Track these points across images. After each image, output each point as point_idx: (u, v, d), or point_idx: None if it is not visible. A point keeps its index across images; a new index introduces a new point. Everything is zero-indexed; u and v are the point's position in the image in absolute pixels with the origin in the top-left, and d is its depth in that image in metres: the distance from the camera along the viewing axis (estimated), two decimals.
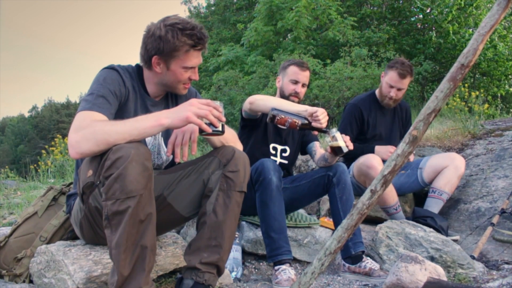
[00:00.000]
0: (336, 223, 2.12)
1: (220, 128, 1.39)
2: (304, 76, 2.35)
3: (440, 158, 2.75)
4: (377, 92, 2.92)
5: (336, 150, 2.02)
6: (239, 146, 1.69)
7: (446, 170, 2.67)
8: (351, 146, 2.02)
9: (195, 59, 1.55)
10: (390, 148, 2.76)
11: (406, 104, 3.04)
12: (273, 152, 2.37)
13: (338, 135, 2.00)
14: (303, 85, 2.36)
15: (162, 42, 1.48)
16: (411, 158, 2.89)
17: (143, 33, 1.56)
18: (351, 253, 2.04)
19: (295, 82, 2.34)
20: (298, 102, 2.35)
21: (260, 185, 1.97)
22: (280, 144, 2.39)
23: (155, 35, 1.50)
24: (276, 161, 2.35)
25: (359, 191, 2.82)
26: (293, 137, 2.42)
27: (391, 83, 2.74)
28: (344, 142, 2.00)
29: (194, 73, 1.58)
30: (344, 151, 2.00)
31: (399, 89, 2.76)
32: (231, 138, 1.65)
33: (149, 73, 1.60)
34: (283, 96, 2.36)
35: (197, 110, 1.32)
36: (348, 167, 2.87)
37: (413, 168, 2.85)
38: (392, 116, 2.94)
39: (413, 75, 2.78)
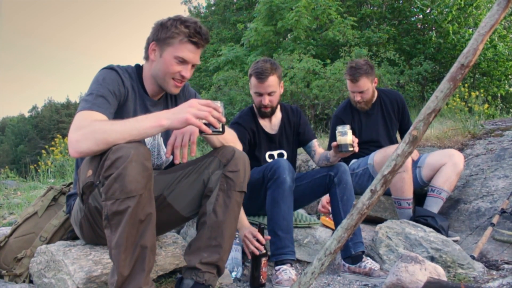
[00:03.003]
0: (337, 223, 2.12)
1: (220, 129, 1.39)
2: (267, 86, 2.18)
3: (438, 156, 2.73)
4: None
5: (342, 147, 2.00)
6: (238, 146, 1.69)
7: (445, 167, 2.65)
8: (356, 149, 2.02)
9: (190, 52, 1.53)
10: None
11: (396, 95, 2.99)
12: (270, 160, 2.33)
13: (348, 132, 2.01)
14: (269, 94, 2.21)
15: (161, 28, 1.53)
16: (416, 155, 2.86)
17: None
18: (351, 253, 2.04)
19: (259, 95, 2.23)
20: (272, 110, 2.27)
21: (273, 183, 1.98)
22: (275, 149, 2.37)
23: (157, 24, 1.55)
24: None
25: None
26: (287, 139, 2.39)
27: (350, 89, 2.82)
28: (352, 141, 2.00)
29: (186, 69, 1.55)
30: (348, 149, 1.99)
31: (360, 92, 2.79)
32: (231, 138, 1.65)
33: (146, 66, 1.61)
34: (256, 106, 2.30)
35: (196, 112, 1.32)
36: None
37: (412, 167, 2.83)
38: (379, 113, 2.93)
39: (369, 72, 2.75)
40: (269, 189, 2.00)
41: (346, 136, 2.00)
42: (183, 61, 1.54)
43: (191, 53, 1.53)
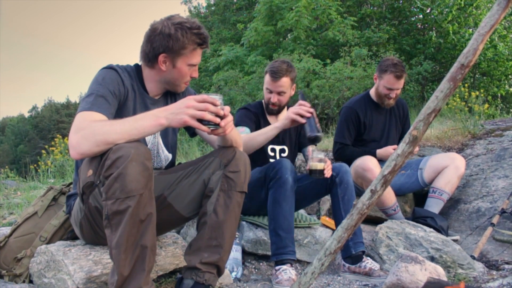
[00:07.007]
0: (338, 222, 2.13)
1: (219, 122, 1.36)
2: (278, 86, 2.24)
3: (441, 158, 2.76)
4: (372, 92, 2.92)
5: (313, 172, 2.00)
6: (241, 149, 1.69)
7: (447, 170, 2.67)
8: (328, 175, 2.02)
9: (199, 57, 1.60)
10: (390, 148, 2.77)
11: (402, 101, 3.05)
12: (272, 154, 2.37)
13: (318, 156, 2.00)
14: (279, 93, 2.27)
15: (172, 40, 1.51)
16: (415, 150, 2.91)
17: (147, 31, 1.57)
18: (351, 252, 2.05)
19: (270, 92, 2.30)
20: (279, 109, 2.33)
21: (275, 183, 1.99)
22: (278, 144, 2.38)
23: (163, 33, 1.52)
24: None
25: (357, 192, 2.83)
26: (290, 136, 2.42)
27: (390, 86, 2.77)
28: (323, 167, 1.98)
29: (195, 70, 1.64)
30: (317, 176, 1.99)
31: (397, 89, 2.79)
32: (239, 141, 1.65)
33: (151, 72, 1.60)
34: (265, 102, 2.35)
35: (194, 113, 1.31)
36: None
37: (414, 169, 2.85)
38: (389, 115, 2.95)
39: (405, 71, 2.83)
40: (271, 189, 2.01)
41: (319, 163, 1.99)
42: (194, 65, 1.61)
43: (199, 57, 1.61)
